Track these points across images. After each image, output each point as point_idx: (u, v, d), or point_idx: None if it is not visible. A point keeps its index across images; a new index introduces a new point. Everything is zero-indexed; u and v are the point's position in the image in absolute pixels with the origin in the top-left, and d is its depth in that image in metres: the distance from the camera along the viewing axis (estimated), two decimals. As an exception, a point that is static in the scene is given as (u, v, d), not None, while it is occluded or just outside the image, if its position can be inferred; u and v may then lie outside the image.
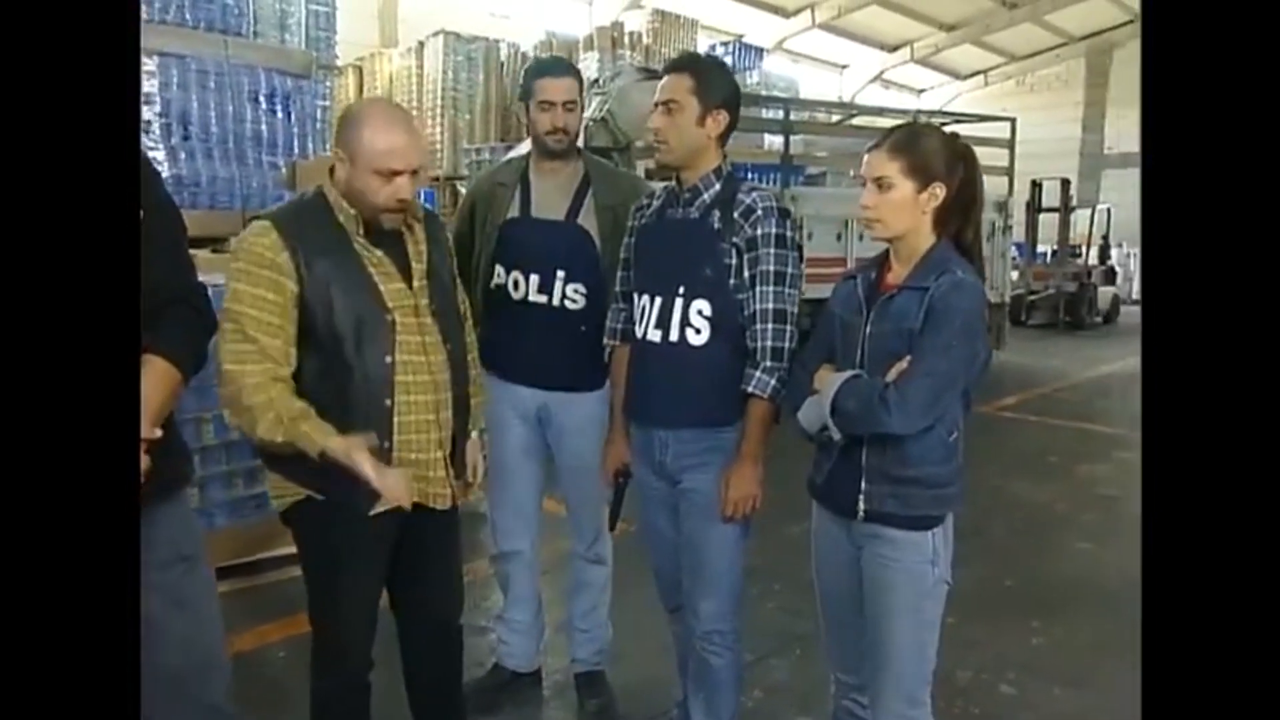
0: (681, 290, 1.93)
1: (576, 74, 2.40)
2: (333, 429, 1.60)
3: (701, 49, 13.73)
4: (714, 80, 1.94)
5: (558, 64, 2.46)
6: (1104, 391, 8.54)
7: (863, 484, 1.65)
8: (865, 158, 1.67)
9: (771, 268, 1.89)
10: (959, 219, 1.67)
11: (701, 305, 1.91)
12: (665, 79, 1.95)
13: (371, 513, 1.69)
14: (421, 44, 12.16)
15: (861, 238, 8.94)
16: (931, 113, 12.21)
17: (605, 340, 2.21)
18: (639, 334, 2.01)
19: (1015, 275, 13.73)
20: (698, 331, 1.92)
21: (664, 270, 1.97)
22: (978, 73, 21.59)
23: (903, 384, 1.55)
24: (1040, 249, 14.51)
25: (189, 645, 1.55)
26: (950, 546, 1.69)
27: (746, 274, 1.91)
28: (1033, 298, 13.95)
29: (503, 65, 12.45)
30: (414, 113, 12.20)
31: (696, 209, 1.96)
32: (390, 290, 1.71)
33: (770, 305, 1.89)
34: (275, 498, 1.78)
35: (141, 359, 1.39)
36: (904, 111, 11.46)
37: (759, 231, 1.90)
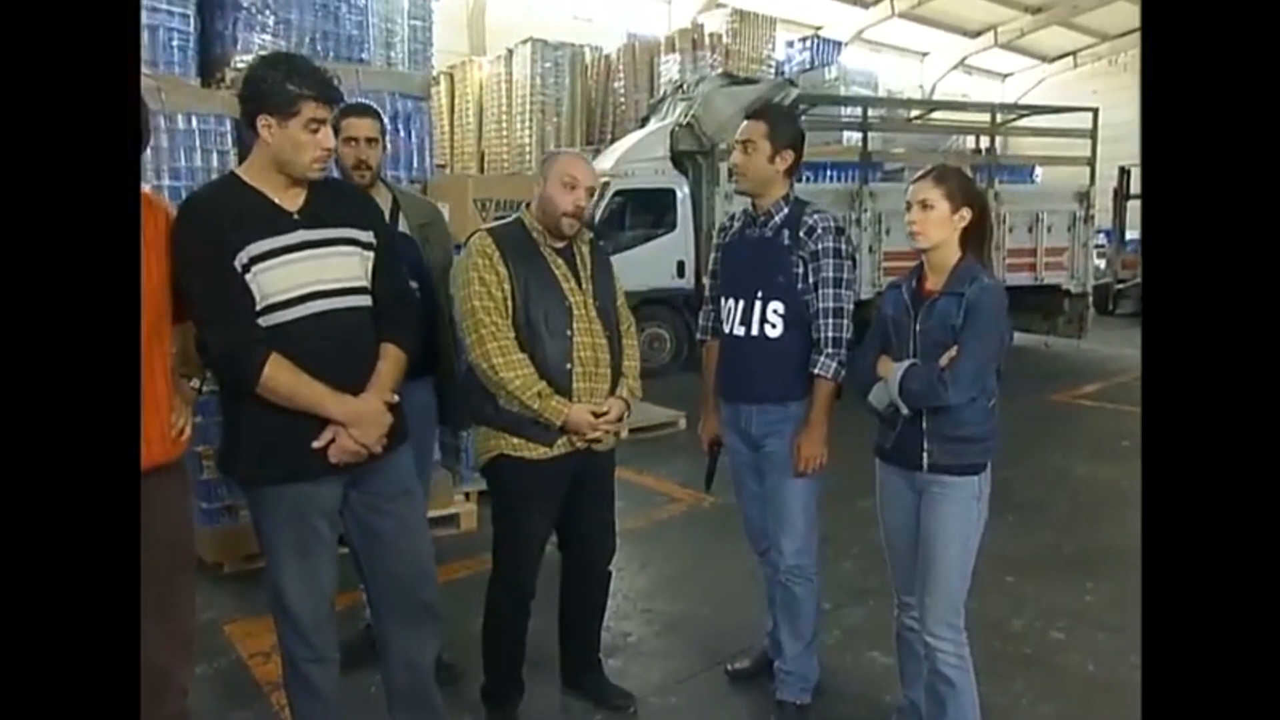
0: (760, 294, 2.42)
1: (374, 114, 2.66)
2: (567, 403, 2.25)
3: (779, 45, 14.00)
4: (783, 126, 2.44)
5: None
6: (1188, 377, 8.53)
7: (925, 444, 2.10)
8: (911, 187, 2.13)
9: (831, 274, 2.38)
10: (976, 243, 2.12)
11: (776, 305, 2.40)
12: (745, 123, 2.45)
13: (554, 451, 2.28)
14: (510, 51, 12.75)
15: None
16: (1011, 106, 12.21)
17: (698, 336, 2.75)
18: (726, 330, 2.52)
19: (1102, 264, 13.53)
20: (774, 326, 2.41)
21: (745, 278, 2.47)
22: (1066, 54, 21.09)
23: (954, 366, 2.01)
24: (1129, 236, 14.22)
25: (410, 556, 2.11)
26: (989, 488, 2.14)
27: (811, 280, 2.39)
28: (1120, 286, 13.70)
29: (586, 69, 13.01)
30: (504, 117, 12.90)
31: (770, 229, 2.46)
32: (568, 288, 2.32)
33: (831, 304, 2.38)
34: (480, 454, 2.38)
35: (381, 346, 2.00)
36: (983, 105, 11.51)
37: (820, 246, 2.38)
